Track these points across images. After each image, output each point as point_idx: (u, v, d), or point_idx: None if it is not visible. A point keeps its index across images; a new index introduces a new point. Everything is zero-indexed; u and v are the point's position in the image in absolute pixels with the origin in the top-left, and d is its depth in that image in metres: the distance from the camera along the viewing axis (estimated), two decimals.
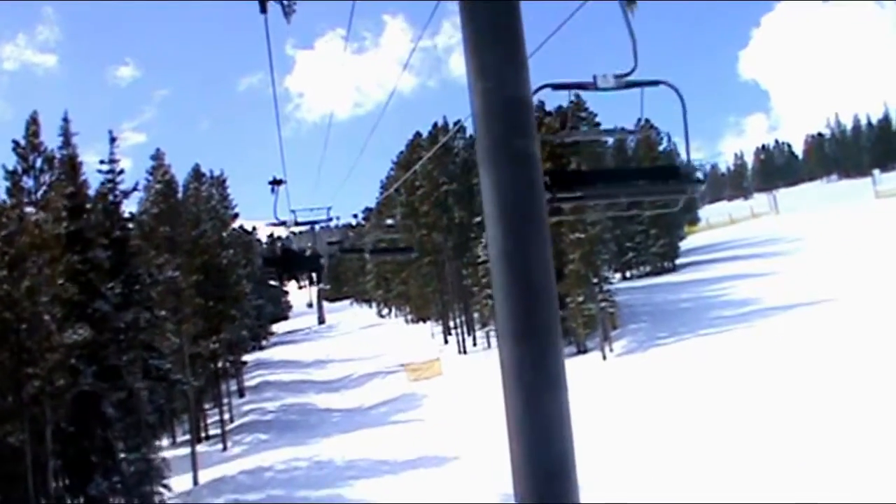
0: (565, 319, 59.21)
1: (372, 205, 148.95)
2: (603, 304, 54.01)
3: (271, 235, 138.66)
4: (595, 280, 54.69)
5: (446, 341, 75.83)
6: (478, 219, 64.58)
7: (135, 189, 37.83)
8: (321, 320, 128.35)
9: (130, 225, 41.35)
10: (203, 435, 54.97)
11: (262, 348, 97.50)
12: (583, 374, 51.17)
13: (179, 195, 53.55)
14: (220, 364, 53.16)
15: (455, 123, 77.11)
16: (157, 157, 56.60)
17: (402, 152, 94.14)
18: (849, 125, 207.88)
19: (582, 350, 57.78)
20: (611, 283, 56.62)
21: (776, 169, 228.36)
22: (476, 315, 71.73)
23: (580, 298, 54.06)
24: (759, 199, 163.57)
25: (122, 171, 37.08)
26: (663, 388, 41.72)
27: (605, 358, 53.06)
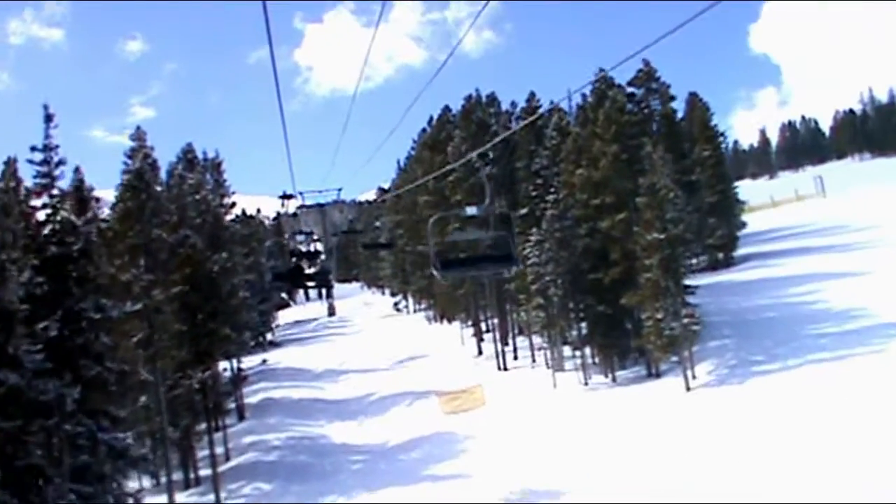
0: (634, 338, 48.86)
1: (385, 185, 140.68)
2: (686, 321, 43.45)
3: (278, 214, 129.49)
4: (674, 290, 44.13)
5: (480, 351, 65.16)
6: (523, 210, 54.06)
7: (77, 188, 26.37)
8: (331, 312, 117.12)
9: (92, 234, 30.85)
10: (193, 477, 44.60)
11: (265, 345, 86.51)
12: (664, 410, 40.83)
13: (161, 186, 43.02)
14: (210, 400, 42.58)
15: (488, 96, 66.33)
16: (138, 136, 46.38)
17: (424, 129, 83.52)
18: (884, 100, 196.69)
19: (654, 373, 47.33)
20: (692, 293, 45.99)
21: (802, 146, 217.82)
22: (511, 322, 61.39)
23: (659, 315, 43.45)
24: (790, 179, 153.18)
25: (61, 163, 25.91)
26: (786, 445, 31.17)
27: (688, 388, 42.57)
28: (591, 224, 49.11)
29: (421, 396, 53.05)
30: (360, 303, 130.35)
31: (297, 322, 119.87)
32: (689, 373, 43.07)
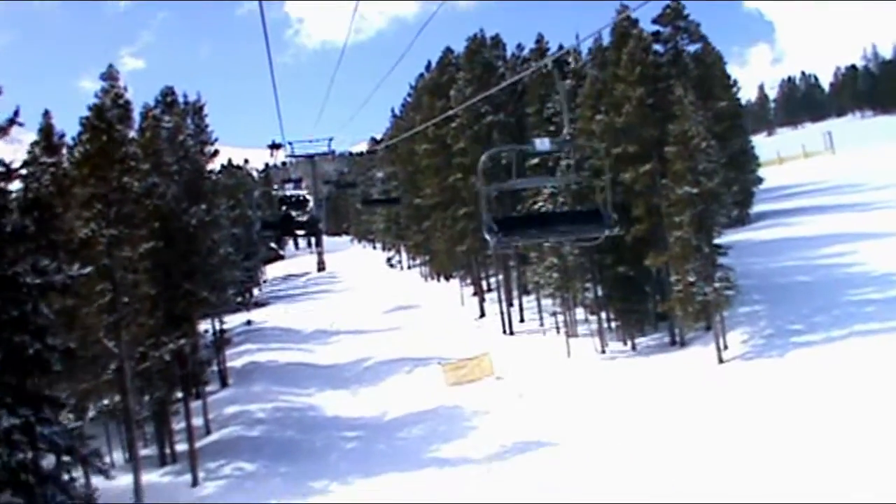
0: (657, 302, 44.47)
1: (378, 135, 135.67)
2: (719, 285, 38.89)
3: (266, 166, 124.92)
4: (707, 251, 39.55)
5: (482, 312, 60.60)
6: (534, 160, 49.25)
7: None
8: (321, 266, 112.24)
9: (40, 180, 26.03)
10: (168, 452, 40.08)
11: (251, 305, 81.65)
12: (697, 385, 36.44)
13: (134, 131, 37.99)
14: (188, 369, 37.91)
15: (493, 38, 61.05)
16: (109, 76, 41.47)
17: (421, 75, 78.37)
18: (888, 56, 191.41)
19: (679, 342, 42.98)
20: (724, 254, 41.35)
21: (801, 103, 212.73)
22: (518, 281, 56.90)
23: (691, 277, 38.87)
24: (789, 136, 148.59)
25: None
26: (845, 431, 26.71)
27: (721, 360, 38.16)
28: (612, 176, 44.41)
29: (420, 363, 48.51)
30: (350, 257, 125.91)
31: (287, 277, 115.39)
32: (720, 342, 38.66)
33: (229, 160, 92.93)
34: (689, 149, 39.19)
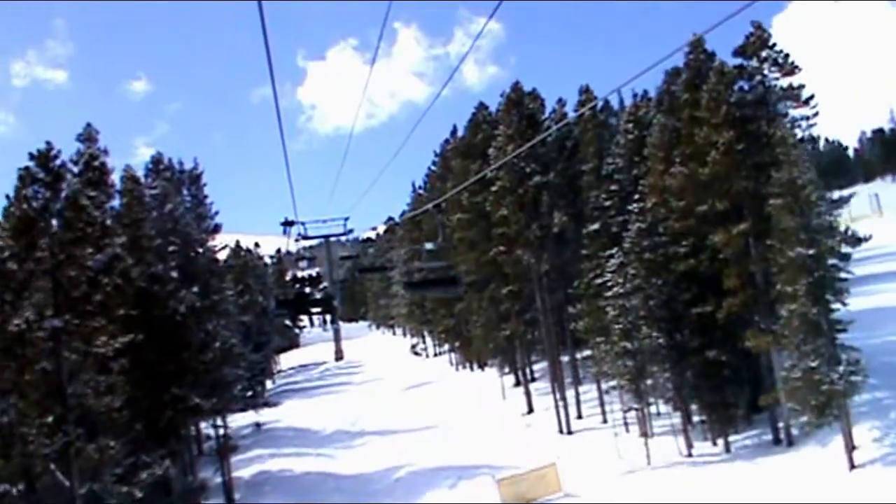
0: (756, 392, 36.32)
1: (395, 214, 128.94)
2: (844, 369, 30.61)
3: (278, 251, 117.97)
4: (825, 327, 31.38)
5: (531, 408, 51.97)
6: (593, 226, 41.63)
7: None
8: (339, 355, 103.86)
9: None
10: None
11: (260, 405, 72.46)
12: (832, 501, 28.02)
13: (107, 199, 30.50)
14: (176, 494, 29.59)
15: (530, 92, 53.57)
16: (87, 137, 34.65)
17: (447, 140, 71.12)
18: None
19: (785, 440, 34.68)
20: (844, 330, 33.15)
21: (827, 169, 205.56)
22: (575, 369, 48.64)
23: (813, 362, 30.56)
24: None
25: None
26: None
27: (853, 465, 29.78)
28: (693, 240, 36.52)
29: (465, 474, 39.91)
30: (370, 344, 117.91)
31: (302, 367, 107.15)
32: (849, 441, 30.34)
33: (237, 242, 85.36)
34: (800, 201, 31.30)
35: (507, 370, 59.51)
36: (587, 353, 51.06)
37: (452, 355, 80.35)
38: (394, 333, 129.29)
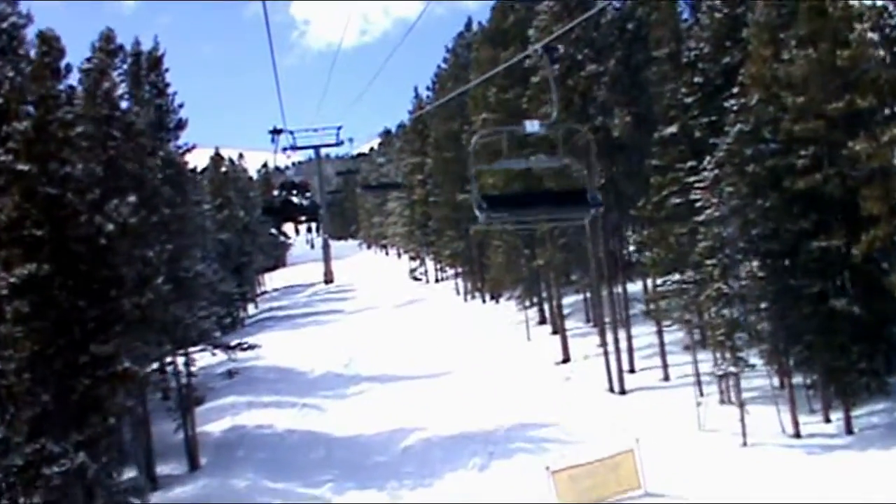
0: None
1: (392, 126, 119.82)
2: None
3: (265, 165, 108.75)
4: None
5: (567, 356, 42.55)
6: (670, 129, 32.15)
7: None
8: (328, 277, 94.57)
9: None
10: None
11: (235, 348, 62.02)
12: None
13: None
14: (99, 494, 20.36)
15: None
16: None
17: (460, 33, 61.36)
18: None
19: None
20: None
21: None
22: (620, 308, 39.32)
23: None
24: None
25: None
26: None
27: None
28: (818, 148, 26.98)
29: (498, 450, 30.58)
30: (362, 265, 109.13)
31: (289, 288, 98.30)
32: None
33: (216, 150, 75.44)
34: None
35: (527, 303, 50.25)
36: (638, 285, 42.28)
37: (459, 283, 71.06)
38: (387, 254, 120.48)
